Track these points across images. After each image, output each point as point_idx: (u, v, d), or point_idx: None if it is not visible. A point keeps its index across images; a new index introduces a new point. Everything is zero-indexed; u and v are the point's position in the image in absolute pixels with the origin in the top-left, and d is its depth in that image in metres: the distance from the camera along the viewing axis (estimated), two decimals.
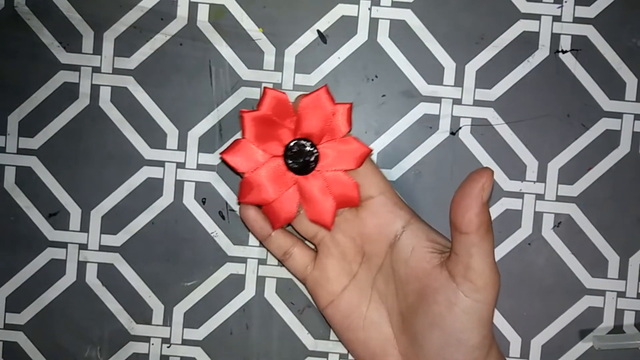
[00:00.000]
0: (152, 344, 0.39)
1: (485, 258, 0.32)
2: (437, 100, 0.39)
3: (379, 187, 0.35)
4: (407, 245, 0.34)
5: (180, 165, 0.39)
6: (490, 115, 0.39)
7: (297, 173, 0.35)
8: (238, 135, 0.39)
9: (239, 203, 0.36)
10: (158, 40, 0.39)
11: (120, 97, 0.39)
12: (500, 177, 0.39)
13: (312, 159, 0.35)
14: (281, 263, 0.38)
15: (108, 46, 0.39)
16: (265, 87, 0.35)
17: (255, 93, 0.39)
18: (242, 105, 0.39)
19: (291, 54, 0.39)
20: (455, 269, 0.32)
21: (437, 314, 0.32)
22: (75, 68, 0.39)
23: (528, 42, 0.39)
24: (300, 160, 0.35)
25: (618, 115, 0.39)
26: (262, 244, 0.38)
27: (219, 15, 0.39)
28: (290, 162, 0.35)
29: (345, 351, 0.39)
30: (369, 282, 0.36)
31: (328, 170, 0.35)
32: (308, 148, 0.35)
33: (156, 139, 0.39)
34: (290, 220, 0.36)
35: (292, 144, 0.35)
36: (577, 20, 0.39)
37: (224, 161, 0.35)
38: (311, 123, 0.35)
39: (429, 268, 0.33)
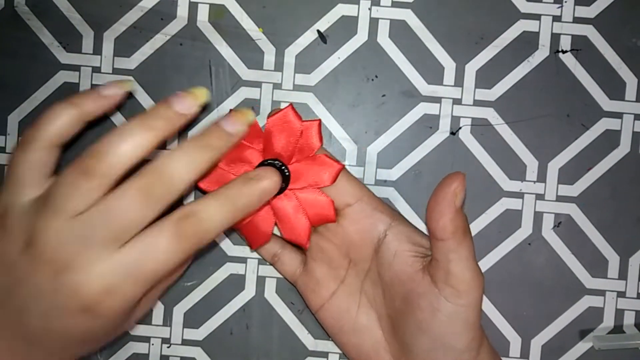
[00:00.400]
0: (152, 344, 0.39)
1: (465, 262, 0.32)
2: (437, 100, 0.39)
3: (355, 194, 0.35)
4: (390, 249, 0.34)
5: None
6: (490, 115, 0.39)
7: None
8: None
9: None
10: (158, 40, 0.39)
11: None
12: (500, 177, 0.39)
13: (283, 179, 0.34)
14: (272, 265, 0.38)
15: (108, 46, 0.39)
16: (231, 110, 0.33)
17: (255, 93, 0.39)
18: (242, 105, 0.39)
19: (291, 54, 0.39)
20: (436, 275, 0.32)
21: (422, 320, 0.32)
22: (75, 68, 0.39)
23: (528, 42, 0.39)
24: None
25: (618, 115, 0.39)
26: (251, 250, 0.38)
27: (219, 15, 0.39)
28: None
29: None
30: (358, 286, 0.36)
31: (301, 189, 0.34)
32: (278, 169, 0.34)
33: None
34: (267, 240, 0.35)
35: (260, 165, 0.34)
36: (577, 20, 0.39)
37: (201, 190, 0.35)
38: (279, 143, 0.34)
39: (412, 272, 0.33)
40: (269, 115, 0.35)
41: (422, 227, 0.39)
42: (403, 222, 0.35)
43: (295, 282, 0.37)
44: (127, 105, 0.39)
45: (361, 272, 0.36)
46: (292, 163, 0.35)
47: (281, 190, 0.34)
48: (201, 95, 0.30)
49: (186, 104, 0.29)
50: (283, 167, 0.34)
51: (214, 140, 0.29)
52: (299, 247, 0.37)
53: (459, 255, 0.31)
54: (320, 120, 0.35)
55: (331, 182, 0.34)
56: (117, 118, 0.39)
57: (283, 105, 0.39)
